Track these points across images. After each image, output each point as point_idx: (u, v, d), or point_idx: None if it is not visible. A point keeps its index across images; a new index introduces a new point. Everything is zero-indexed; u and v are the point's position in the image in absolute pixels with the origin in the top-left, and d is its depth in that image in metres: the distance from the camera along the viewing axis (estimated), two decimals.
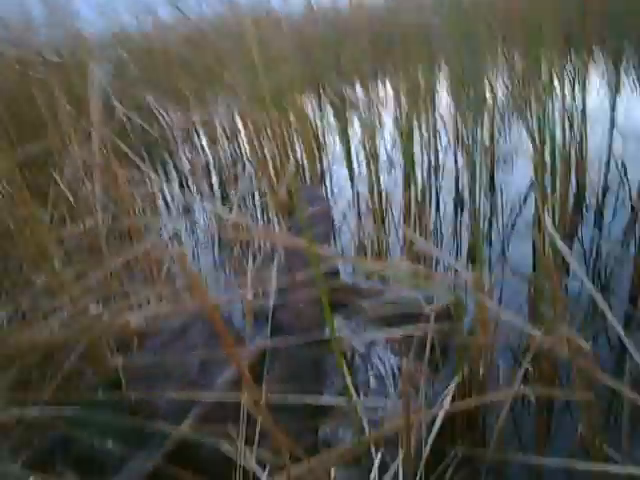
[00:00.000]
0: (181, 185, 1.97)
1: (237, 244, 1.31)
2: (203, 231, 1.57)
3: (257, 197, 1.75)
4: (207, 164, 2.08)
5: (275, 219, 1.42)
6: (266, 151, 1.73)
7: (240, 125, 2.07)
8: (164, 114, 2.05)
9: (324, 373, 0.91)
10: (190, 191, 1.95)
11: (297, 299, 1.00)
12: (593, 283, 1.12)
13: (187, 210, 1.76)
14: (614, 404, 0.78)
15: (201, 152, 2.17)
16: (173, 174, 2.13)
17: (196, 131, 2.25)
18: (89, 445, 0.69)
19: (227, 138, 2.15)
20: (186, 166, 2.12)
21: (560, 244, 0.71)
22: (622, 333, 0.58)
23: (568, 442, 0.73)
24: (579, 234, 1.34)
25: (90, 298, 0.95)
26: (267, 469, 0.60)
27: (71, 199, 1.33)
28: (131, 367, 0.82)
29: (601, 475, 0.53)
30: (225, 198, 1.83)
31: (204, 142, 2.24)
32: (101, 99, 1.37)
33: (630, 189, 1.49)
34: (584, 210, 1.48)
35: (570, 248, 1.25)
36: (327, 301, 0.63)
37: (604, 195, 1.53)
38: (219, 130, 2.13)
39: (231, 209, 1.53)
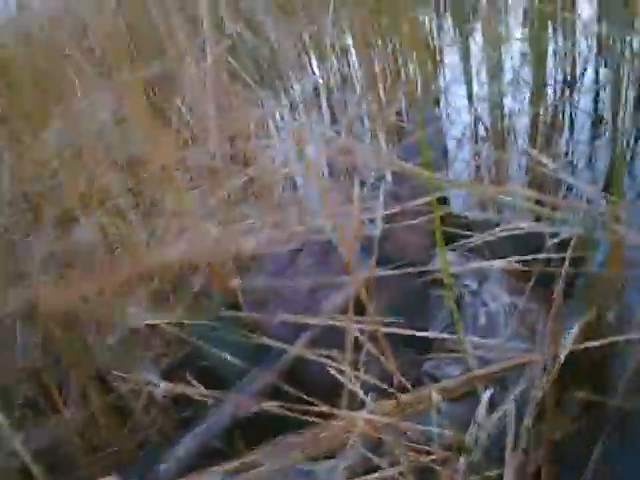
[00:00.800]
0: (290, 108, 1.96)
1: (345, 169, 1.29)
2: (312, 156, 1.57)
3: (366, 121, 1.68)
4: (316, 86, 2.03)
5: (384, 144, 1.36)
6: (377, 70, 1.63)
7: (350, 42, 1.96)
8: (274, 33, 2.01)
9: (429, 307, 0.90)
10: (300, 114, 1.93)
11: (405, 229, 0.97)
12: None
13: (296, 133, 1.76)
14: None
15: (310, 74, 2.11)
16: (282, 97, 2.12)
17: (306, 52, 2.19)
18: (213, 359, 0.77)
19: (337, 58, 2.06)
20: (296, 89, 2.09)
21: None
22: None
23: None
24: None
25: (211, 221, 1.01)
26: (373, 395, 0.61)
27: (190, 121, 1.39)
28: (248, 289, 0.88)
29: None
30: (334, 121, 1.79)
31: (314, 63, 2.17)
32: (213, 15, 1.37)
33: None
34: None
35: None
36: (439, 231, 0.60)
37: None
38: (328, 48, 2.05)
39: (339, 133, 1.49)
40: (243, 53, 1.93)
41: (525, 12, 1.86)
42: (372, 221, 1.01)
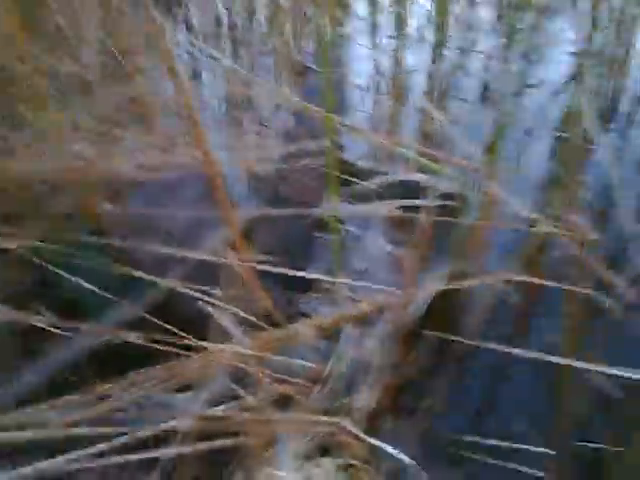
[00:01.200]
0: (189, 36, 1.80)
1: (244, 104, 1.23)
2: (209, 86, 1.47)
3: (270, 58, 1.61)
4: (218, 16, 1.88)
5: (287, 82, 1.31)
6: (283, 8, 1.55)
7: None
8: None
9: (313, 249, 0.90)
10: (198, 43, 1.78)
11: (299, 170, 0.95)
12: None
13: (194, 60, 1.62)
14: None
15: (213, 4, 1.95)
16: (181, 25, 1.94)
17: None
18: (71, 287, 0.70)
19: None
20: (196, 17, 1.92)
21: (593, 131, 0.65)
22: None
23: (542, 341, 0.74)
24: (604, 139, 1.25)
25: (83, 140, 0.90)
26: (242, 328, 0.60)
27: (67, 33, 1.21)
28: (120, 216, 0.80)
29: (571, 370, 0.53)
30: (235, 56, 1.68)
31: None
32: None
33: None
34: (612, 117, 1.36)
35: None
36: (331, 176, 0.59)
37: (638, 104, 1.40)
38: None
39: (241, 65, 1.41)
40: None
41: None
42: (266, 159, 0.98)
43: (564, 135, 1.09)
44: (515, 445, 0.61)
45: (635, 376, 0.44)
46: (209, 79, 1.55)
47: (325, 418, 0.53)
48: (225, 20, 1.91)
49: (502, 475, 0.60)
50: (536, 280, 0.60)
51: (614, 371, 0.45)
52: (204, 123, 1.25)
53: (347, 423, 0.50)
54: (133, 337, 0.58)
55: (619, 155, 1.17)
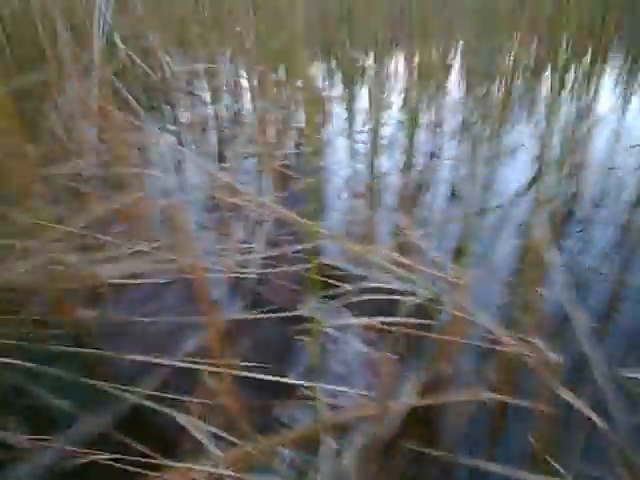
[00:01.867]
0: (177, 138, 1.92)
1: (227, 208, 1.29)
2: (194, 189, 1.55)
3: (254, 162, 1.71)
4: (206, 119, 2.02)
5: (269, 187, 1.39)
6: (268, 113, 1.68)
7: (244, 82, 2.01)
8: (167, 59, 1.97)
9: (292, 354, 0.92)
10: (185, 145, 1.90)
11: (279, 274, 0.99)
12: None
13: (180, 164, 1.72)
14: (571, 419, 0.80)
15: (201, 105, 2.10)
16: (169, 126, 2.08)
17: (198, 82, 2.18)
18: (39, 399, 0.69)
19: (229, 93, 2.09)
20: (184, 118, 2.06)
21: (547, 254, 0.71)
22: (589, 345, 0.58)
23: (518, 451, 0.76)
24: (564, 243, 1.34)
25: (67, 244, 0.93)
26: (216, 443, 0.60)
27: (63, 137, 1.29)
28: (100, 322, 0.82)
29: None
30: (221, 158, 1.79)
31: (205, 95, 2.17)
32: (103, 33, 1.31)
33: (624, 207, 1.49)
34: (573, 220, 1.47)
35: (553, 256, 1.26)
36: (314, 280, 0.63)
37: (597, 207, 1.52)
38: (222, 83, 2.07)
39: (225, 169, 1.50)
40: (132, 77, 1.86)
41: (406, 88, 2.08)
42: (248, 263, 1.02)
43: (525, 244, 1.17)
44: None
45: None
46: (193, 181, 1.63)
47: None
48: (211, 122, 2.06)
49: None
50: (505, 398, 0.63)
51: None
52: (188, 227, 1.31)
53: None
54: (101, 458, 0.58)
55: (577, 261, 1.26)
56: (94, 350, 0.76)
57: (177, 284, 0.92)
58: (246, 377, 0.78)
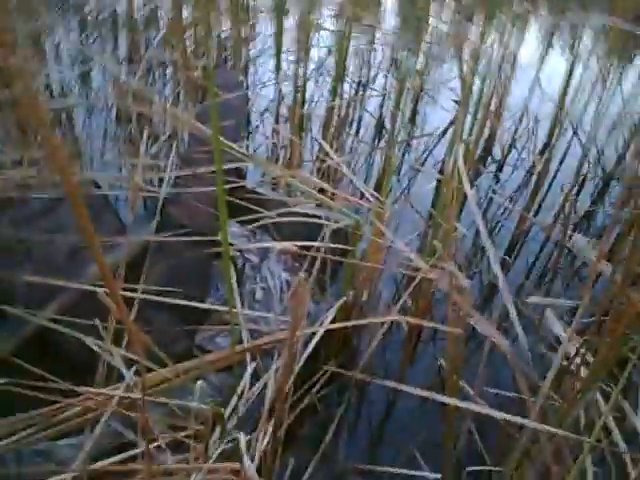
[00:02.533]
0: (81, 32, 1.66)
1: (136, 118, 1.16)
2: (99, 94, 1.37)
3: (168, 69, 1.55)
4: (114, 14, 1.77)
5: (184, 99, 1.27)
6: (186, 15, 1.51)
7: None
8: None
9: (211, 278, 0.88)
10: (89, 41, 1.66)
11: (195, 195, 0.92)
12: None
13: (83, 63, 1.50)
14: (476, 343, 0.86)
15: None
16: (72, 18, 1.79)
17: None
18: None
19: None
20: (91, 14, 1.79)
21: (465, 186, 0.72)
22: (500, 273, 0.61)
23: (429, 372, 0.80)
24: (478, 181, 1.40)
25: None
26: (133, 368, 0.56)
27: None
28: None
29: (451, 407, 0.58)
30: (131, 61, 1.59)
31: None
32: None
33: (534, 148, 1.57)
34: (488, 160, 1.54)
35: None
36: (225, 202, 0.58)
37: (510, 149, 1.60)
38: None
39: (136, 75, 1.33)
40: None
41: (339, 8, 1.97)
42: (160, 181, 0.93)
43: (443, 178, 1.20)
44: (409, 472, 0.65)
45: (499, 415, 0.50)
46: (100, 87, 1.45)
47: (222, 464, 0.52)
48: (122, 20, 1.81)
49: None
50: (419, 320, 0.65)
51: (487, 411, 0.51)
52: (90, 138, 1.17)
53: (245, 467, 0.49)
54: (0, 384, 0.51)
55: (491, 197, 1.32)
56: None
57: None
58: (162, 303, 0.73)
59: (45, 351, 0.65)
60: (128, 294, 0.67)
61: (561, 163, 1.49)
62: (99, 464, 0.49)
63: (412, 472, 0.65)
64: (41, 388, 0.50)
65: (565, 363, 0.59)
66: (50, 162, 0.71)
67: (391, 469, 0.66)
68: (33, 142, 0.93)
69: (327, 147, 0.78)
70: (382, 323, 0.73)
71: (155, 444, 0.53)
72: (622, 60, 1.85)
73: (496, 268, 0.63)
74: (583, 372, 0.54)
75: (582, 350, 0.55)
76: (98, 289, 0.64)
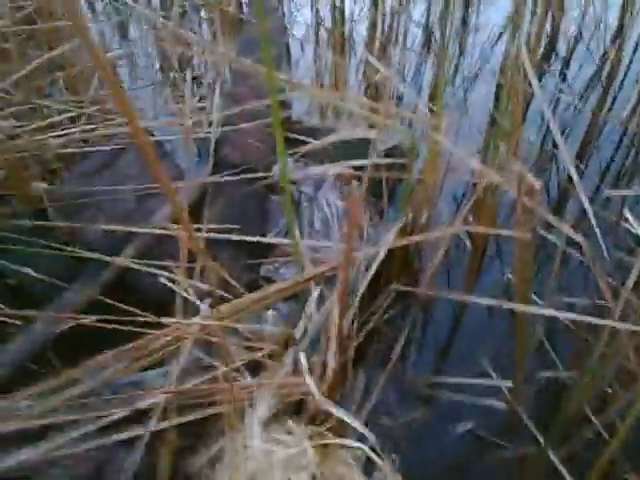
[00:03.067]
0: None
1: (178, 62, 1.15)
2: (139, 44, 1.37)
3: (202, 9, 1.50)
4: None
5: (222, 36, 1.24)
6: None
7: None
8: None
9: (269, 212, 0.89)
10: None
11: (244, 133, 0.92)
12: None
13: (118, 12, 1.50)
14: (546, 255, 0.82)
15: None
16: None
17: None
18: (17, 274, 0.66)
19: None
20: None
21: (532, 81, 0.66)
22: (573, 170, 0.57)
23: (496, 288, 0.79)
24: (544, 81, 1.28)
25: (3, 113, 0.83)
26: (207, 301, 0.60)
27: None
28: (57, 195, 0.75)
29: (522, 315, 0.57)
30: (166, 7, 1.56)
31: None
32: None
33: (603, 42, 1.41)
34: (553, 57, 1.40)
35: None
36: (279, 137, 0.57)
37: (575, 44, 1.44)
38: None
39: (171, 19, 1.31)
40: None
41: None
42: (209, 123, 0.94)
43: (504, 80, 1.11)
44: (478, 380, 0.65)
45: (575, 317, 0.48)
46: (139, 35, 1.44)
47: (294, 379, 0.55)
48: None
49: (469, 409, 0.64)
50: (484, 229, 0.62)
51: (562, 315, 0.49)
52: (133, 86, 1.18)
53: (314, 387, 0.51)
54: (90, 320, 0.56)
55: (558, 97, 1.21)
56: (63, 223, 0.71)
57: (134, 150, 0.84)
58: (226, 241, 0.76)
59: (125, 292, 0.70)
60: (195, 235, 0.69)
61: (635, 52, 1.33)
62: (185, 386, 0.53)
63: (482, 381, 0.65)
64: (128, 322, 0.54)
65: None
66: (115, 106, 0.72)
67: (461, 379, 0.66)
68: (86, 100, 0.96)
69: (373, 60, 0.73)
70: (444, 239, 0.71)
71: (234, 365, 0.56)
72: None
73: (569, 163, 0.59)
74: None
75: None
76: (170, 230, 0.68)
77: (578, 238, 0.51)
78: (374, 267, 0.67)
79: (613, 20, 1.47)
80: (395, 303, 0.74)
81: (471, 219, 0.79)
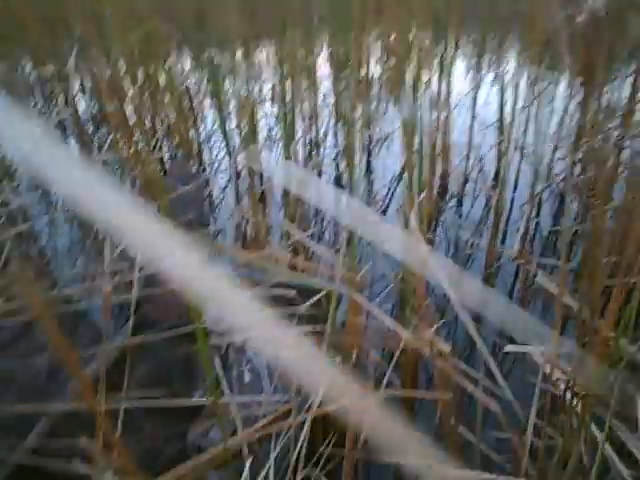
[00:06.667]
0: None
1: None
2: (58, 205, 1.38)
3: (122, 166, 1.57)
4: (62, 122, 1.81)
5: (142, 195, 1.29)
6: (130, 112, 1.55)
7: (102, 81, 1.83)
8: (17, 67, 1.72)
9: (196, 369, 0.86)
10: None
11: (163, 290, 0.92)
12: (453, 264, 1.21)
13: (35, 184, 1.52)
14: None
15: (57, 107, 1.88)
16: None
17: (50, 86, 1.94)
18: None
19: (84, 93, 1.89)
20: (39, 121, 1.82)
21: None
22: (474, 330, 0.62)
23: (431, 423, 0.79)
24: (442, 220, 1.44)
25: None
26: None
27: None
28: None
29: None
30: (85, 154, 1.62)
31: (60, 98, 1.94)
32: None
33: (485, 179, 1.64)
34: (447, 198, 1.59)
35: (434, 235, 1.34)
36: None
37: (465, 183, 1.66)
38: (77, 84, 1.86)
39: (89, 170, 1.35)
40: None
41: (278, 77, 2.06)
42: (130, 283, 0.93)
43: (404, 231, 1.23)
44: None
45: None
46: (52, 197, 1.46)
47: None
48: (69, 126, 1.85)
49: None
50: (409, 393, 0.64)
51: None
52: (55, 253, 1.17)
53: None
54: None
55: (455, 234, 1.36)
56: None
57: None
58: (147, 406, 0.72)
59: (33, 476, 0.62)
60: (113, 406, 0.65)
61: (515, 188, 1.55)
62: None
63: None
64: None
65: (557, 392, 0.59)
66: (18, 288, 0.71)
67: None
68: None
69: (290, 226, 0.79)
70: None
71: None
72: (547, 77, 1.98)
73: (472, 331, 0.64)
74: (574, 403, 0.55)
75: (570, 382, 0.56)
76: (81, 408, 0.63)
77: (486, 400, 0.54)
78: (305, 430, 0.66)
79: (491, 161, 1.73)
80: (330, 461, 0.72)
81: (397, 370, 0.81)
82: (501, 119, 1.66)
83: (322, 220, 1.35)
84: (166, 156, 1.57)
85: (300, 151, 1.75)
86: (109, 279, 0.85)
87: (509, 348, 0.64)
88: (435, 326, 0.58)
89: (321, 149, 1.81)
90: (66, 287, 0.87)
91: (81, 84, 1.85)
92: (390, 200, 1.53)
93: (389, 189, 1.59)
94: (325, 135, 1.90)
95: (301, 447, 0.64)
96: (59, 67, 1.76)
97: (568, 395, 0.57)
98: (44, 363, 0.74)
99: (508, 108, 1.68)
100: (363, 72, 1.91)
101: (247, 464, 0.64)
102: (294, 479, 0.65)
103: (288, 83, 1.52)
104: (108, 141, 1.54)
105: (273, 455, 0.65)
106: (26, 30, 1.88)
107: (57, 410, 0.68)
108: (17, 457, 0.63)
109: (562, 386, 0.58)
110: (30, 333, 0.79)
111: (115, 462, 0.59)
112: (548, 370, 0.59)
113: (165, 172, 1.49)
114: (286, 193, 1.31)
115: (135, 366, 0.81)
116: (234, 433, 0.70)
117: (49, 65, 1.83)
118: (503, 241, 1.31)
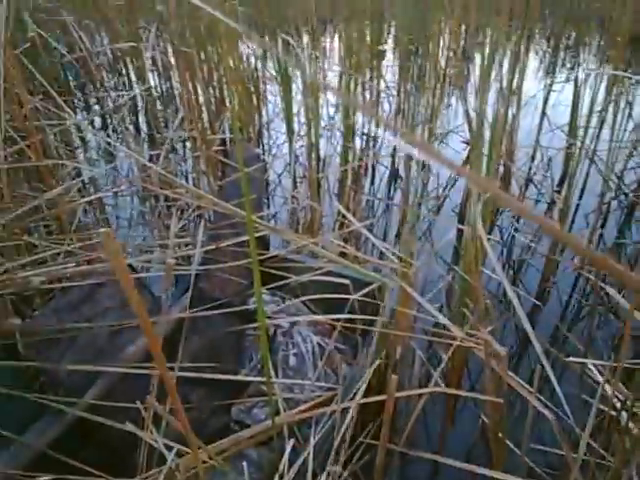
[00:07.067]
0: (103, 124, 1.77)
1: (162, 199, 1.22)
2: (125, 180, 1.45)
3: (188, 146, 1.63)
4: (134, 101, 1.89)
5: (207, 177, 1.33)
6: (200, 95, 1.60)
7: (173, 61, 1.89)
8: (85, 39, 1.81)
9: (244, 347, 0.89)
10: (113, 132, 1.77)
11: (224, 268, 0.95)
12: (505, 271, 1.18)
13: (108, 153, 1.60)
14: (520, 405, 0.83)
15: (128, 87, 1.96)
16: (94, 110, 1.92)
17: (123, 62, 2.02)
18: None
19: (158, 73, 1.96)
20: (110, 102, 1.91)
21: (483, 238, 0.73)
22: (530, 330, 0.61)
23: (472, 430, 0.78)
24: (499, 222, 1.40)
25: None
26: (174, 450, 0.57)
27: None
28: (31, 330, 0.74)
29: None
30: (152, 143, 1.69)
31: (132, 76, 2.02)
32: (8, 8, 1.18)
33: (552, 181, 1.57)
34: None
35: (489, 235, 1.31)
36: (258, 274, 0.60)
37: (527, 185, 1.60)
38: (149, 63, 1.94)
39: (158, 157, 1.41)
40: (45, 57, 1.69)
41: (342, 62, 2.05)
42: (189, 258, 0.97)
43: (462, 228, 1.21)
44: None
45: None
46: (123, 172, 1.53)
47: None
48: (139, 104, 1.93)
49: None
50: (455, 392, 0.64)
51: None
52: (121, 221, 1.23)
53: None
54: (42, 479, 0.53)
55: (513, 236, 1.32)
56: (28, 362, 0.70)
57: (112, 284, 0.86)
58: (198, 379, 0.75)
59: (87, 438, 0.67)
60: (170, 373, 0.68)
61: (581, 196, 1.48)
62: None
63: None
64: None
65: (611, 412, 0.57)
66: (103, 248, 0.75)
67: None
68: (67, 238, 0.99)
69: (346, 212, 0.80)
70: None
71: None
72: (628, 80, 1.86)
73: (527, 326, 0.62)
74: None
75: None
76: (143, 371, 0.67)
77: (539, 406, 0.53)
78: (348, 418, 0.67)
79: (558, 165, 1.66)
80: (369, 450, 0.73)
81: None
82: (572, 121, 1.59)
83: (375, 211, 1.35)
84: (229, 137, 1.61)
85: (358, 142, 1.74)
86: (172, 252, 0.89)
87: (571, 359, 0.62)
88: (490, 327, 0.57)
89: (378, 141, 1.80)
90: (129, 257, 0.92)
91: (153, 62, 1.92)
92: (446, 198, 1.50)
93: (445, 186, 1.56)
94: (385, 128, 1.88)
95: (343, 435, 0.65)
96: (136, 42, 1.83)
97: (624, 415, 0.55)
98: (106, 327, 0.79)
99: (581, 110, 1.60)
100: (430, 64, 1.87)
101: (288, 446, 0.65)
102: (336, 464, 0.66)
103: (351, 72, 1.51)
104: (177, 120, 1.60)
105: (313, 441, 0.66)
106: (105, 5, 1.97)
107: (115, 372, 0.72)
108: (75, 412, 0.68)
109: (618, 405, 0.56)
110: (95, 297, 0.84)
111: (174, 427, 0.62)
112: (606, 388, 0.57)
113: (226, 153, 1.53)
114: (342, 181, 1.31)
115: (188, 339, 0.85)
116: (277, 414, 0.73)
117: (125, 42, 1.91)
118: (562, 250, 1.26)
